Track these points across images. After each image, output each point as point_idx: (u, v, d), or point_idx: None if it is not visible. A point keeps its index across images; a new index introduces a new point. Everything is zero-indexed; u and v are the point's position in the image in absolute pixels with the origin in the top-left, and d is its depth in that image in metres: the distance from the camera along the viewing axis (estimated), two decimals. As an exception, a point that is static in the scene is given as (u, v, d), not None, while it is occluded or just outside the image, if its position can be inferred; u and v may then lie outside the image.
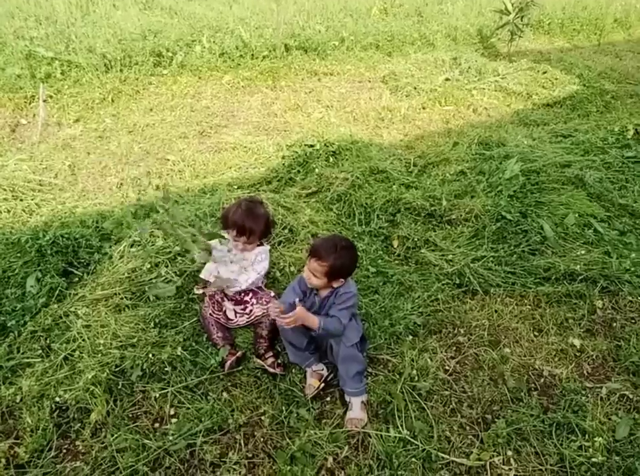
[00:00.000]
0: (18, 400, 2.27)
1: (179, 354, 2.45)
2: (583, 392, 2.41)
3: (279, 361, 2.50)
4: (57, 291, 2.85)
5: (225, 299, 2.70)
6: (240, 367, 2.48)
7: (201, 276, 2.80)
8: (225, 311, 2.68)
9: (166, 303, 2.72)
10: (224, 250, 2.72)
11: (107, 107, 5.51)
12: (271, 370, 2.44)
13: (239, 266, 2.74)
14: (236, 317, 2.70)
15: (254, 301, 2.73)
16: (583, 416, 2.26)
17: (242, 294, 2.73)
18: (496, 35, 8.46)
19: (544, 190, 3.85)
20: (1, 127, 5.01)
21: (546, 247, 3.37)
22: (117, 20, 7.15)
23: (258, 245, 2.79)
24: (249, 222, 2.63)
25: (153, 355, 2.41)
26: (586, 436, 2.17)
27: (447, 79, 6.54)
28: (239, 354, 2.48)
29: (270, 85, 6.37)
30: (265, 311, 2.66)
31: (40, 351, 2.50)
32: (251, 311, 2.70)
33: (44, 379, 2.33)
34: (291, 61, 6.89)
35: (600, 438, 2.13)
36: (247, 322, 2.70)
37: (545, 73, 6.97)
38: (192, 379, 2.39)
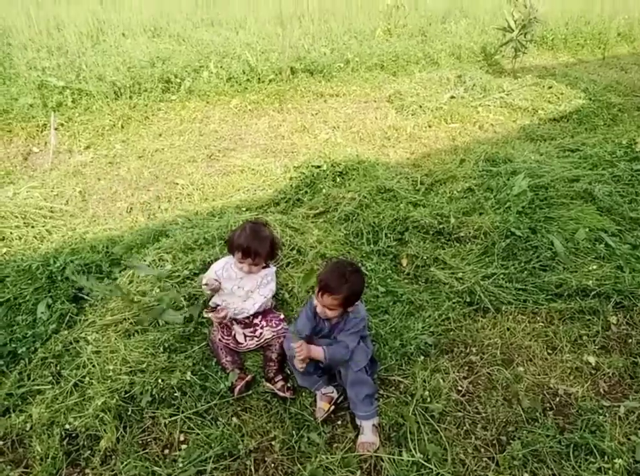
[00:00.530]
0: (28, 428, 2.26)
1: (188, 378, 2.43)
2: (600, 411, 2.36)
3: (289, 384, 2.48)
4: (68, 317, 2.86)
5: (234, 322, 2.70)
6: (250, 392, 2.46)
7: (211, 303, 2.80)
8: (234, 335, 2.67)
9: (175, 327, 2.71)
10: (231, 272, 2.72)
11: (117, 133, 5.60)
12: (281, 394, 2.41)
13: (245, 290, 2.73)
14: (245, 340, 2.68)
15: (263, 323, 2.71)
16: (601, 437, 2.20)
17: (252, 317, 2.72)
18: (500, 52, 8.52)
19: (553, 205, 3.82)
20: (14, 155, 5.11)
21: (557, 263, 3.33)
22: (126, 49, 7.31)
23: (264, 267, 2.79)
24: (254, 244, 2.62)
25: (163, 380, 2.40)
26: (605, 457, 2.12)
27: (452, 97, 6.58)
28: (248, 378, 2.46)
29: (277, 108, 6.45)
30: (275, 333, 2.65)
31: (50, 378, 2.50)
32: (261, 333, 2.69)
33: (54, 406, 2.32)
34: (298, 84, 6.98)
35: (620, 460, 2.07)
36: (257, 345, 2.68)
37: (550, 88, 6.99)
38: (201, 405, 2.37)
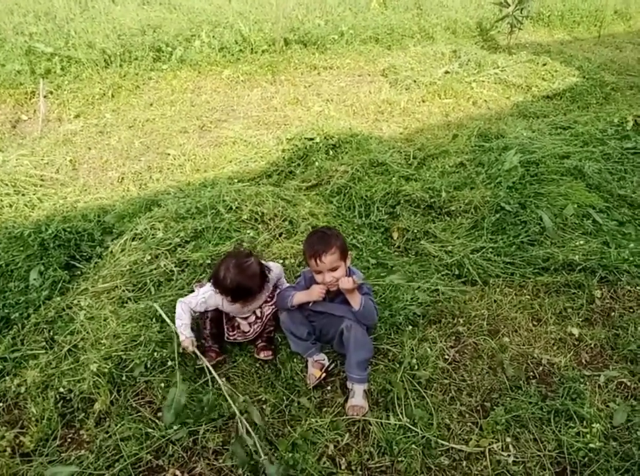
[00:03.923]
0: (23, 391, 2.29)
1: (181, 351, 2.46)
2: (581, 380, 2.43)
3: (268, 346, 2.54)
4: (60, 284, 2.88)
5: (236, 317, 2.62)
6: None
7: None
8: (237, 325, 2.61)
9: (167, 295, 2.73)
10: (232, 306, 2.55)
11: (107, 102, 5.52)
12: (255, 356, 2.49)
13: (254, 309, 2.62)
14: (251, 327, 2.61)
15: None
16: (581, 403, 2.28)
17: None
18: (496, 28, 8.45)
19: (543, 181, 3.86)
20: (2, 123, 5.03)
21: (545, 238, 3.38)
22: (116, 16, 7.15)
23: None
24: (243, 281, 2.31)
25: (156, 351, 2.42)
26: (584, 422, 2.19)
27: (446, 72, 6.54)
28: (221, 357, 2.49)
29: (270, 79, 6.38)
30: (274, 307, 2.58)
31: (44, 343, 2.53)
32: (262, 312, 2.61)
33: (48, 371, 2.36)
34: (291, 55, 6.89)
35: (598, 424, 2.15)
36: (263, 324, 2.60)
37: (544, 65, 6.98)
38: (193, 370, 2.42)
